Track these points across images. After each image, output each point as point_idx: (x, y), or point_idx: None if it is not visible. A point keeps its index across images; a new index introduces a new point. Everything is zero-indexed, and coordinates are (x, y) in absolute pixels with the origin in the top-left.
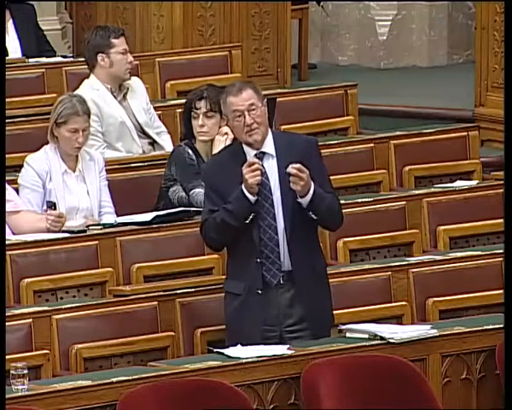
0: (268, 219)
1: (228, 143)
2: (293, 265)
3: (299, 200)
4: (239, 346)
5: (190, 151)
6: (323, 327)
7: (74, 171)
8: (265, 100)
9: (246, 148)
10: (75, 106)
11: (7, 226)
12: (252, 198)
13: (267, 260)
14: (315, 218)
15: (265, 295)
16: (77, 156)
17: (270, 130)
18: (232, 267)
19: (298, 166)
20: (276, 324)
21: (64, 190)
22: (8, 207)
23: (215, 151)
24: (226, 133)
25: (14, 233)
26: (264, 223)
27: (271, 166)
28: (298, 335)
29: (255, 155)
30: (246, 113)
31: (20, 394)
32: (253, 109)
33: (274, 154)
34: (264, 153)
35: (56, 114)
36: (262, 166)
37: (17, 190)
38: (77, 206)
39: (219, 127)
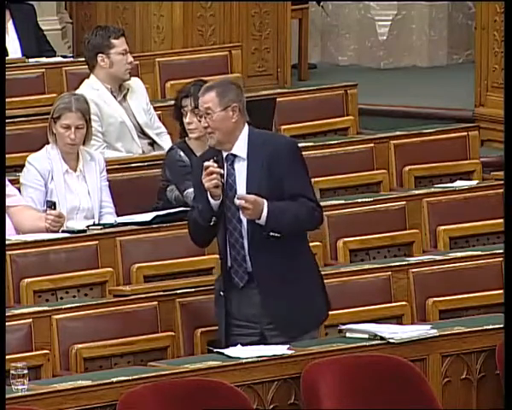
0: (234, 221)
1: None
2: (253, 267)
3: (257, 221)
4: (239, 346)
5: (182, 153)
6: (292, 330)
7: (75, 171)
8: (234, 104)
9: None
10: (70, 102)
11: (9, 220)
12: (213, 202)
13: (235, 262)
14: (277, 236)
15: (234, 296)
16: (78, 156)
17: (248, 129)
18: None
19: (242, 196)
20: (257, 322)
21: (65, 189)
22: (10, 201)
23: None
24: None
25: (15, 228)
26: (231, 225)
27: (241, 168)
28: (275, 333)
29: (226, 156)
30: (203, 116)
31: (20, 394)
32: (208, 113)
33: (245, 156)
34: (234, 155)
35: (53, 109)
36: (233, 168)
37: (19, 190)
38: (78, 206)
39: None
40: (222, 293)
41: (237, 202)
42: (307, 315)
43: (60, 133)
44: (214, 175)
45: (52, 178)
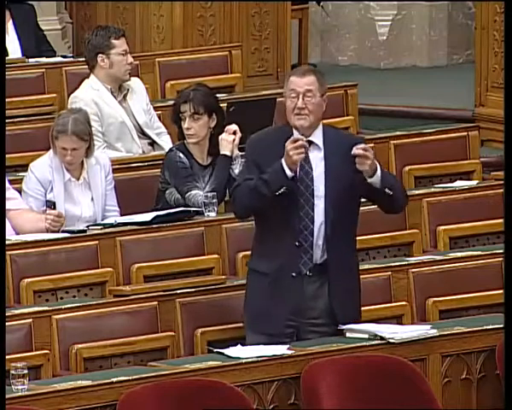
0: (306, 207)
1: (237, 141)
2: (328, 258)
3: (370, 180)
4: (239, 346)
5: (182, 155)
6: (346, 323)
7: (78, 179)
8: (326, 95)
9: (295, 132)
10: (66, 125)
11: (9, 223)
12: (289, 173)
13: (300, 248)
14: (391, 193)
15: (295, 282)
16: (82, 164)
17: (321, 123)
18: (264, 246)
19: (363, 145)
20: (298, 316)
21: (65, 199)
22: (11, 204)
23: (223, 151)
24: (235, 132)
25: (15, 230)
26: (303, 211)
27: (317, 157)
28: (320, 329)
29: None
30: (301, 96)
31: (20, 394)
32: (309, 96)
33: (321, 146)
34: (311, 142)
35: (52, 127)
36: (306, 148)
37: (18, 191)
38: (79, 215)
39: (209, 128)
40: (294, 274)
41: (359, 151)
42: (358, 313)
43: (58, 151)
44: (302, 149)
45: (52, 188)
